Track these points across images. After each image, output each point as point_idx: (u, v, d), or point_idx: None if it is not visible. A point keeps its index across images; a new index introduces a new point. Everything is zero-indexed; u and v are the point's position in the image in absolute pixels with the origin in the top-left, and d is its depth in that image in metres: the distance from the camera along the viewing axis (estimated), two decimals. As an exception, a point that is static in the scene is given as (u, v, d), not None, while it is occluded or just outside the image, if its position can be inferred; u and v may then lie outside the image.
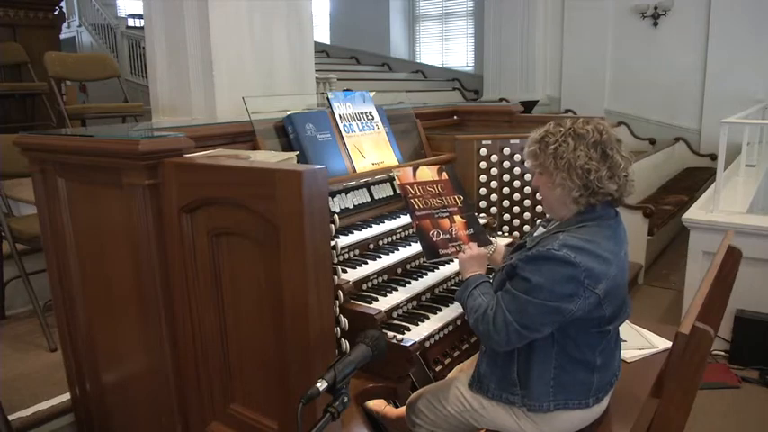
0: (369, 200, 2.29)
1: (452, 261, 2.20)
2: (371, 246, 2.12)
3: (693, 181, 6.81)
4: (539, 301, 1.40)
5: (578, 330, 1.49)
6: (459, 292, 1.66)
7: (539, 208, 2.59)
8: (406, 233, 2.27)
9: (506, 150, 2.58)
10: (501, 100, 7.77)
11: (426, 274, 2.08)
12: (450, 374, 2.02)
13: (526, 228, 2.62)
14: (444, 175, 2.07)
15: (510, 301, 1.46)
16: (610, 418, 1.68)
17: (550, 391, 1.53)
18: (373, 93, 2.51)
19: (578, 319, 1.45)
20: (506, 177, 2.61)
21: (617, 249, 1.49)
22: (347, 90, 2.49)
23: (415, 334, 1.79)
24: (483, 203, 2.60)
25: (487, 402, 1.63)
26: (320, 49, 10.01)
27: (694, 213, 3.69)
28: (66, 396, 2.19)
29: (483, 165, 2.59)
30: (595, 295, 1.42)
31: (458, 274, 2.16)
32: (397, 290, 1.95)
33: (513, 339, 1.46)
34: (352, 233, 2.07)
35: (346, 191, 2.21)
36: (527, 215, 2.63)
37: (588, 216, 1.50)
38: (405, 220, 2.26)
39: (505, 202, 2.63)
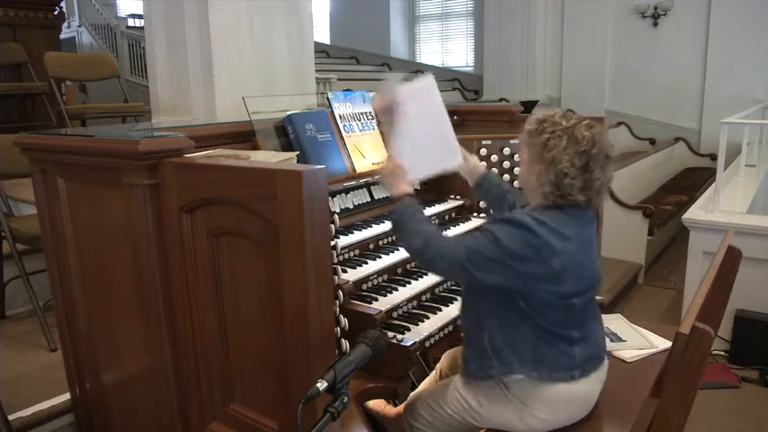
0: (369, 200, 2.30)
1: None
2: (371, 246, 2.12)
3: (693, 181, 6.82)
4: (492, 248, 1.46)
5: (543, 304, 1.51)
6: (400, 212, 1.64)
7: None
8: (406, 233, 2.27)
9: (506, 150, 2.58)
10: (501, 100, 7.76)
11: (426, 274, 2.08)
12: (438, 364, 2.03)
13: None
14: None
15: (470, 240, 1.52)
16: (610, 417, 1.68)
17: (531, 363, 1.55)
18: (373, 93, 2.51)
19: (537, 289, 1.49)
20: (506, 177, 2.60)
21: (579, 231, 1.52)
22: (347, 90, 2.49)
23: (415, 334, 1.80)
24: (483, 203, 2.60)
25: (484, 399, 1.62)
26: (320, 49, 10.00)
27: (694, 213, 3.70)
28: (67, 396, 2.19)
29: (482, 165, 2.59)
30: (550, 267, 1.46)
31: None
32: (397, 290, 1.95)
33: (456, 267, 1.50)
34: (352, 233, 2.07)
35: (346, 191, 2.21)
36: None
37: (554, 207, 1.54)
38: (405, 220, 2.26)
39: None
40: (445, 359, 2.00)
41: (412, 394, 1.87)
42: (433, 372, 2.04)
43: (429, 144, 1.86)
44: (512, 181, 2.60)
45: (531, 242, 1.45)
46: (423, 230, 1.59)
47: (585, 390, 1.62)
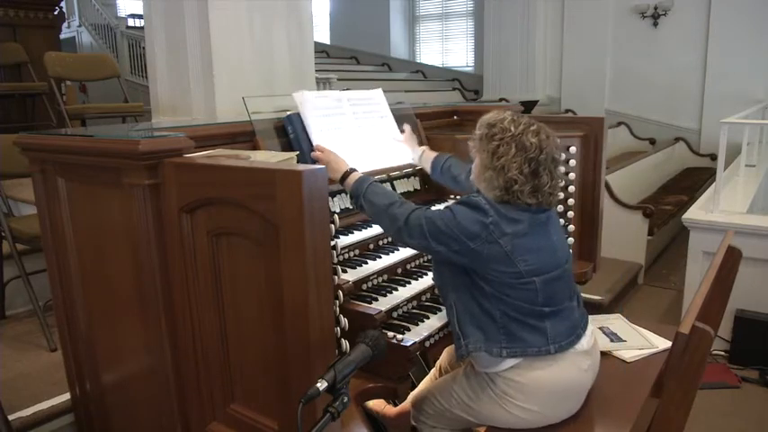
0: (369, 200, 2.29)
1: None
2: (371, 246, 2.12)
3: (693, 181, 6.82)
4: (448, 224, 1.55)
5: (503, 284, 1.56)
6: (357, 185, 1.77)
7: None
8: (406, 233, 2.27)
9: (506, 150, 2.57)
10: (501, 100, 7.77)
11: (426, 274, 2.08)
12: (439, 360, 2.04)
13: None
14: None
15: (431, 212, 1.62)
16: (610, 417, 1.68)
17: (502, 338, 1.57)
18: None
19: (491, 269, 1.55)
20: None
21: (531, 216, 1.58)
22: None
23: (415, 334, 1.79)
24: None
25: (473, 394, 1.66)
26: (320, 49, 10.01)
27: (694, 213, 3.70)
28: (66, 396, 2.19)
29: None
30: (499, 246, 1.53)
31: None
32: (396, 290, 1.95)
33: (413, 233, 1.61)
34: (352, 233, 2.07)
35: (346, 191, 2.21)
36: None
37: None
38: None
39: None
40: (445, 355, 2.02)
41: (418, 389, 1.88)
42: (434, 368, 2.05)
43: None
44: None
45: (481, 221, 1.53)
46: (388, 192, 1.73)
47: (570, 376, 1.62)
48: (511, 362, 1.60)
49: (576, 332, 1.66)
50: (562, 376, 1.61)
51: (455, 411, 1.72)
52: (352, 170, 1.84)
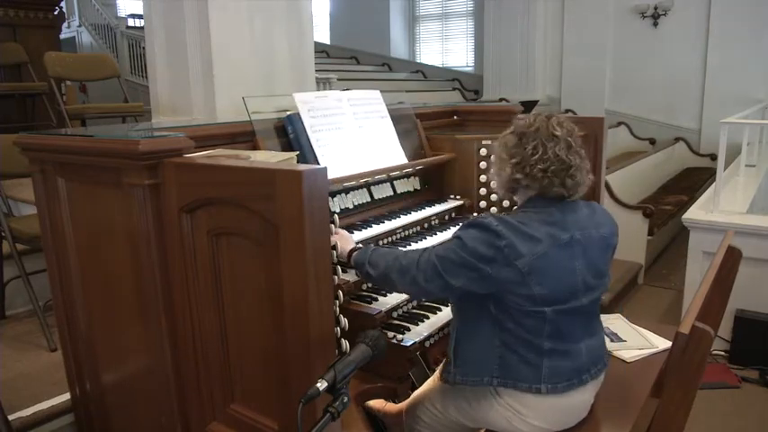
0: (369, 200, 2.29)
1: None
2: (372, 246, 2.12)
3: (693, 181, 6.81)
4: (460, 253, 1.47)
5: (515, 309, 1.49)
6: (360, 255, 1.67)
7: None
8: (407, 233, 2.27)
9: (506, 150, 2.58)
10: (501, 100, 7.77)
11: (426, 274, 2.08)
12: (441, 364, 2.03)
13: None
14: None
15: (440, 248, 1.53)
16: (610, 417, 1.68)
17: (495, 368, 1.53)
18: (373, 93, 2.51)
19: (508, 292, 1.47)
20: (506, 177, 2.60)
21: (555, 233, 1.48)
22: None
23: (415, 334, 1.80)
24: (483, 203, 2.59)
25: (475, 401, 1.62)
26: (320, 49, 10.00)
27: (694, 213, 3.69)
28: (67, 396, 2.19)
29: (483, 165, 2.59)
30: (515, 268, 1.43)
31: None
32: (397, 290, 1.95)
33: (428, 276, 1.50)
34: (352, 233, 2.07)
35: (346, 191, 2.21)
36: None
37: (528, 206, 1.57)
38: (405, 220, 2.26)
39: (505, 203, 2.62)
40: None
41: (412, 396, 1.87)
42: (435, 373, 2.04)
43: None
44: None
45: (494, 243, 1.44)
46: (390, 251, 1.63)
47: (571, 402, 1.57)
48: (503, 390, 1.56)
49: (581, 377, 1.55)
50: (563, 402, 1.56)
51: (452, 417, 1.69)
52: (357, 247, 1.73)
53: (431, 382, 2.00)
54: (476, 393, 1.62)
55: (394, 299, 1.89)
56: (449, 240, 1.56)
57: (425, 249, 1.56)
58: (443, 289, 1.52)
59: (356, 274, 1.73)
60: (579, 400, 1.60)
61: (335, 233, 1.80)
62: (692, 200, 5.18)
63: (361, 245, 1.74)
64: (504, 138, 1.59)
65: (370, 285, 1.95)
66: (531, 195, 1.56)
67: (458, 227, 1.56)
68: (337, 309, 1.69)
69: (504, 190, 1.62)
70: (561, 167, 1.49)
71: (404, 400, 1.97)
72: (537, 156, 1.49)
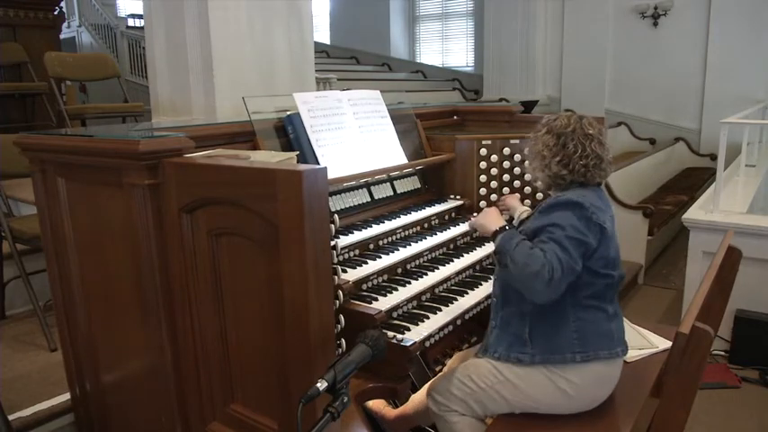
0: (369, 200, 2.30)
1: (452, 261, 2.21)
2: (371, 246, 2.12)
3: (693, 181, 6.81)
4: (568, 234, 1.55)
5: (589, 275, 1.61)
6: (503, 241, 1.64)
7: (539, 208, 2.59)
8: (406, 233, 2.28)
9: (506, 150, 2.58)
10: (501, 100, 7.77)
11: (426, 274, 2.08)
12: (449, 362, 2.03)
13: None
14: None
15: (553, 245, 1.55)
16: (610, 417, 1.68)
17: (575, 343, 1.62)
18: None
19: (594, 258, 1.60)
20: (506, 177, 2.61)
21: (603, 205, 1.68)
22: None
23: (415, 334, 1.79)
24: (483, 203, 2.60)
25: (522, 371, 1.67)
26: (320, 49, 10.01)
27: (694, 213, 3.69)
28: (67, 396, 2.19)
29: (483, 165, 2.59)
30: (603, 227, 1.60)
31: (458, 274, 2.17)
32: (397, 290, 1.95)
33: (566, 275, 1.53)
34: (352, 233, 2.07)
35: (346, 191, 2.21)
36: (526, 215, 2.62)
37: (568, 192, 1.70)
38: (405, 220, 2.26)
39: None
40: (456, 360, 2.00)
41: (435, 378, 1.88)
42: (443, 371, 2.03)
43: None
44: (511, 181, 2.60)
45: (581, 213, 1.58)
46: (527, 252, 1.59)
47: (618, 370, 1.72)
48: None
49: (624, 346, 1.73)
50: (614, 370, 1.71)
51: (491, 391, 1.69)
52: (503, 228, 1.73)
53: (460, 357, 1.99)
54: (527, 371, 1.67)
55: (394, 299, 1.89)
56: (540, 235, 1.59)
57: (541, 250, 1.54)
58: (572, 271, 1.56)
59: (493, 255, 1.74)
60: (619, 370, 1.73)
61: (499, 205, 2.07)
62: (692, 200, 5.18)
63: (507, 226, 1.75)
64: (543, 138, 1.74)
65: (369, 285, 1.95)
66: (569, 184, 1.71)
67: (527, 228, 1.67)
68: (337, 309, 1.69)
69: (547, 184, 1.77)
70: (598, 161, 1.68)
71: (404, 400, 1.97)
72: (578, 153, 1.67)
